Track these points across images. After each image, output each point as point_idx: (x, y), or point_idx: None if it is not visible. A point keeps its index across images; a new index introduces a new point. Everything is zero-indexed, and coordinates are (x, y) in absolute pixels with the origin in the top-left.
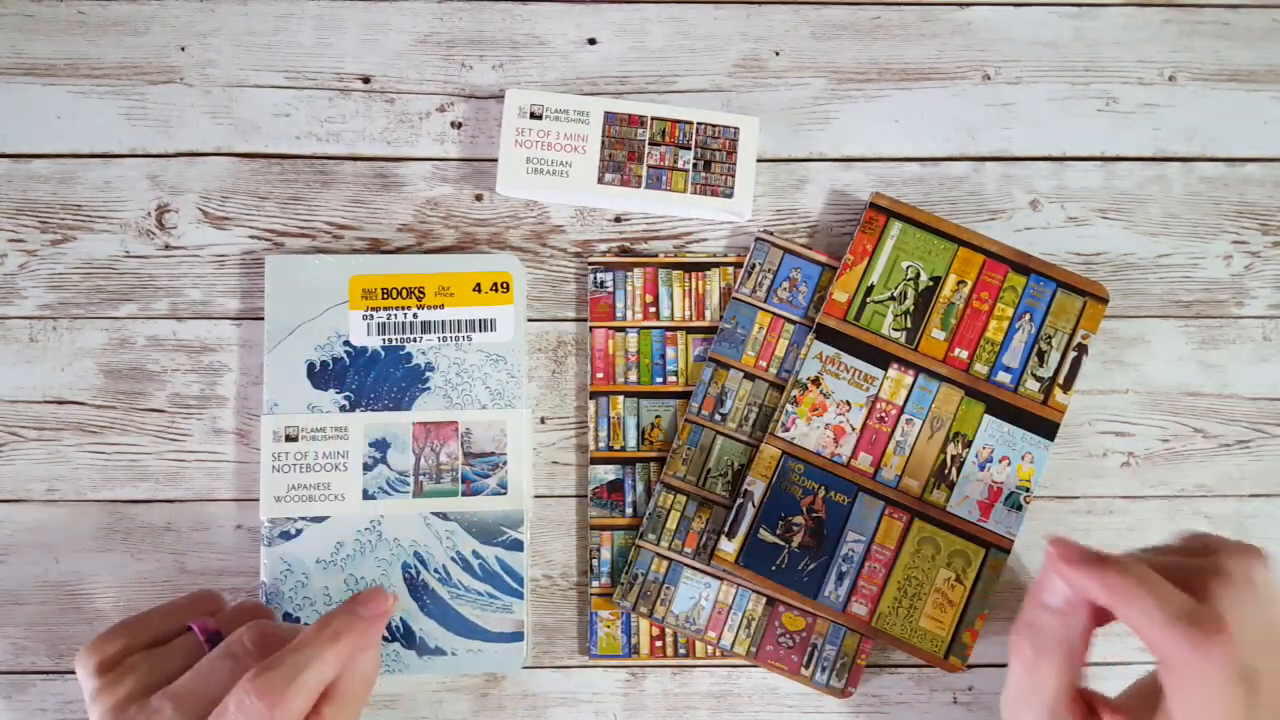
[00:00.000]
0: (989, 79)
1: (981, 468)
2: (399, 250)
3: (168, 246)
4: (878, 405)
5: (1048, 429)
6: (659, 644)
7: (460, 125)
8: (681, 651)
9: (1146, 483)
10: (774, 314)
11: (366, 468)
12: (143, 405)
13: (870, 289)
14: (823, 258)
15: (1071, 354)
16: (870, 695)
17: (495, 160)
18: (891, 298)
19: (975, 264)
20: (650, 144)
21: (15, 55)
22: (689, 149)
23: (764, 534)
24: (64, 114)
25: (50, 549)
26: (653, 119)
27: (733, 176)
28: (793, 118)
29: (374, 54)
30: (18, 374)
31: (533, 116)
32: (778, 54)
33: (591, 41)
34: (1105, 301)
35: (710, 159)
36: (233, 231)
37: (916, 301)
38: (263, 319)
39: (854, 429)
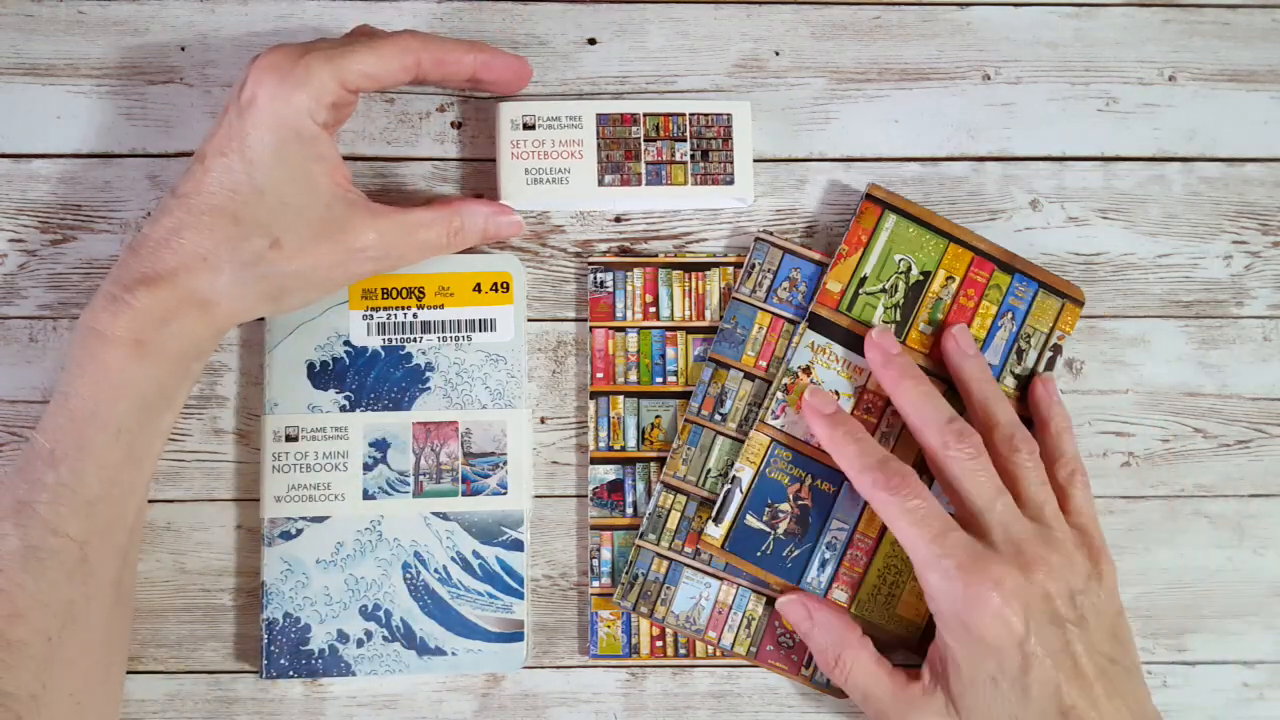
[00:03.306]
0: (989, 79)
1: None
2: None
3: None
4: (865, 396)
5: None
6: (659, 644)
7: (460, 125)
8: (681, 651)
9: (1146, 483)
10: (774, 314)
11: (366, 468)
12: None
13: (863, 280)
14: (823, 258)
15: (1048, 353)
16: None
17: (494, 160)
18: (883, 290)
19: (964, 260)
20: (646, 140)
21: (15, 55)
22: (685, 141)
23: (750, 520)
24: (64, 114)
25: None
26: (645, 115)
27: (731, 163)
28: (793, 118)
29: None
30: (18, 374)
31: (526, 127)
32: (778, 54)
33: (591, 41)
34: (1081, 304)
35: (707, 148)
36: None
37: (906, 295)
38: (263, 319)
39: None
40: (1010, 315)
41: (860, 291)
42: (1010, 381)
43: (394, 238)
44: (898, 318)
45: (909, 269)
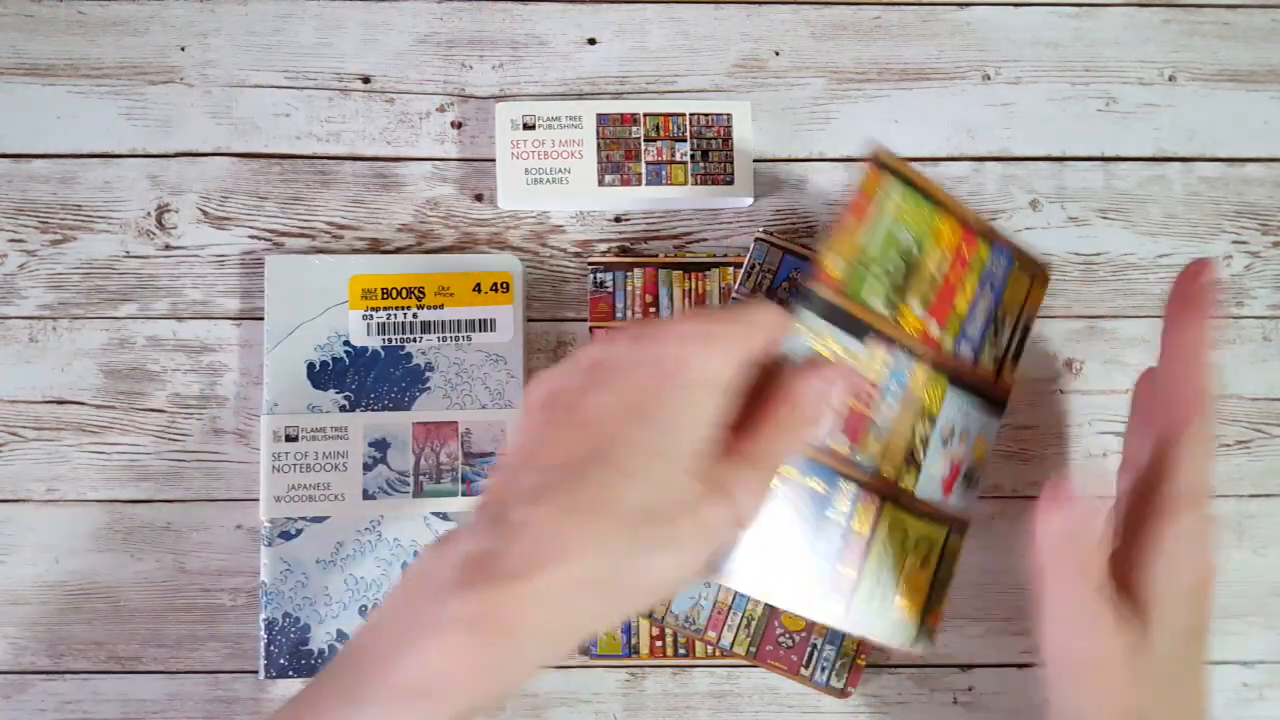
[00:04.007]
0: (989, 79)
1: (944, 444)
2: (399, 250)
3: (168, 246)
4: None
5: (998, 407)
6: (659, 644)
7: (460, 125)
8: (681, 651)
9: None
10: None
11: (366, 468)
12: (143, 405)
13: (866, 257)
14: None
15: (1020, 331)
16: (870, 695)
17: (495, 160)
18: (888, 270)
19: (957, 235)
20: (646, 140)
21: (15, 55)
22: (685, 141)
23: None
24: (64, 114)
25: (50, 549)
26: (645, 115)
27: (731, 163)
28: (793, 118)
29: (374, 54)
30: (18, 374)
31: (525, 127)
32: (778, 54)
33: (591, 41)
34: (1047, 281)
35: (707, 148)
36: (233, 231)
37: (906, 274)
38: (263, 319)
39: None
40: (989, 286)
41: (865, 271)
42: (989, 358)
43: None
44: (895, 299)
45: (910, 245)
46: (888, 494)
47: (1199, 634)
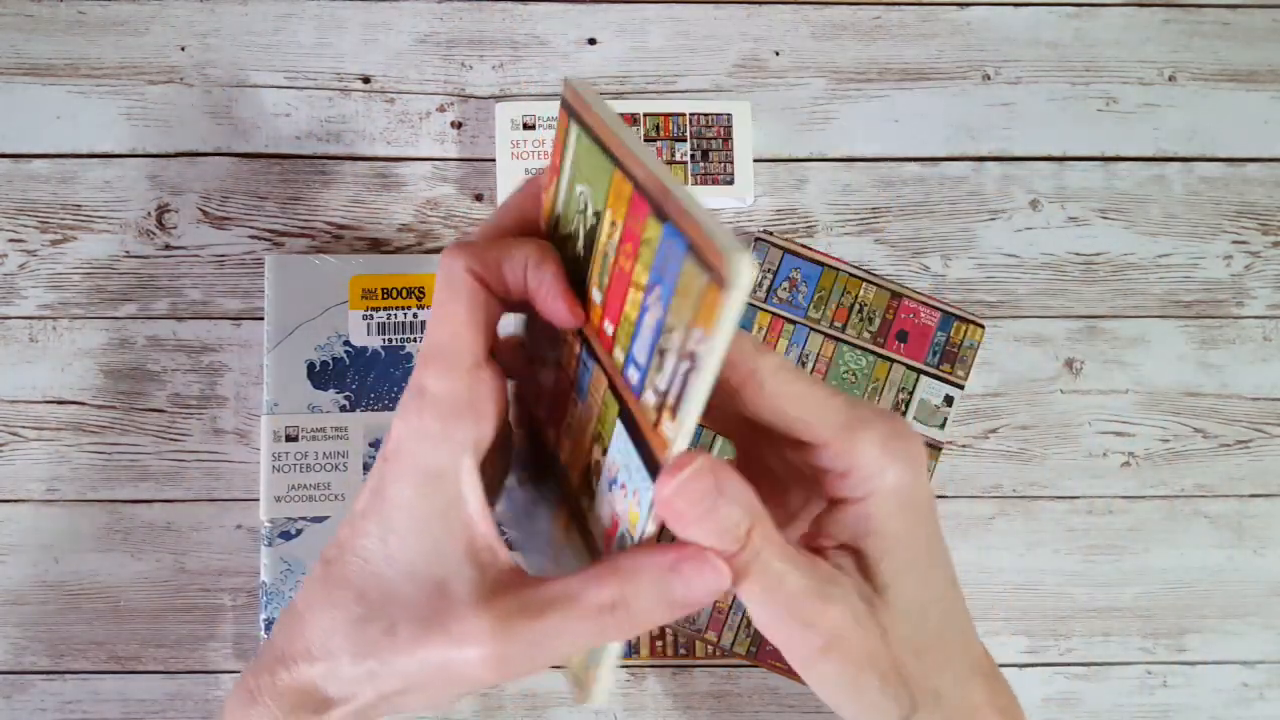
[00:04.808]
0: (989, 79)
1: (609, 487)
2: (399, 250)
3: (168, 246)
4: (563, 370)
5: (652, 464)
6: (659, 644)
7: (460, 125)
8: (681, 651)
9: (1146, 483)
10: (774, 314)
11: (367, 468)
12: (143, 405)
13: (558, 220)
14: (823, 257)
15: (683, 365)
16: None
17: (495, 160)
18: (569, 235)
19: (626, 196)
20: (646, 140)
21: (15, 55)
22: (685, 141)
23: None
24: (64, 114)
25: (50, 549)
26: (645, 115)
27: (731, 163)
28: (793, 118)
29: (374, 54)
30: (18, 374)
31: (525, 127)
32: (778, 54)
33: (591, 41)
34: (726, 285)
35: (707, 148)
36: (233, 231)
37: (585, 242)
38: (263, 319)
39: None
40: (659, 291)
41: (555, 235)
42: (650, 397)
43: (511, 645)
44: (585, 278)
45: (586, 206)
46: (573, 509)
47: (940, 563)
